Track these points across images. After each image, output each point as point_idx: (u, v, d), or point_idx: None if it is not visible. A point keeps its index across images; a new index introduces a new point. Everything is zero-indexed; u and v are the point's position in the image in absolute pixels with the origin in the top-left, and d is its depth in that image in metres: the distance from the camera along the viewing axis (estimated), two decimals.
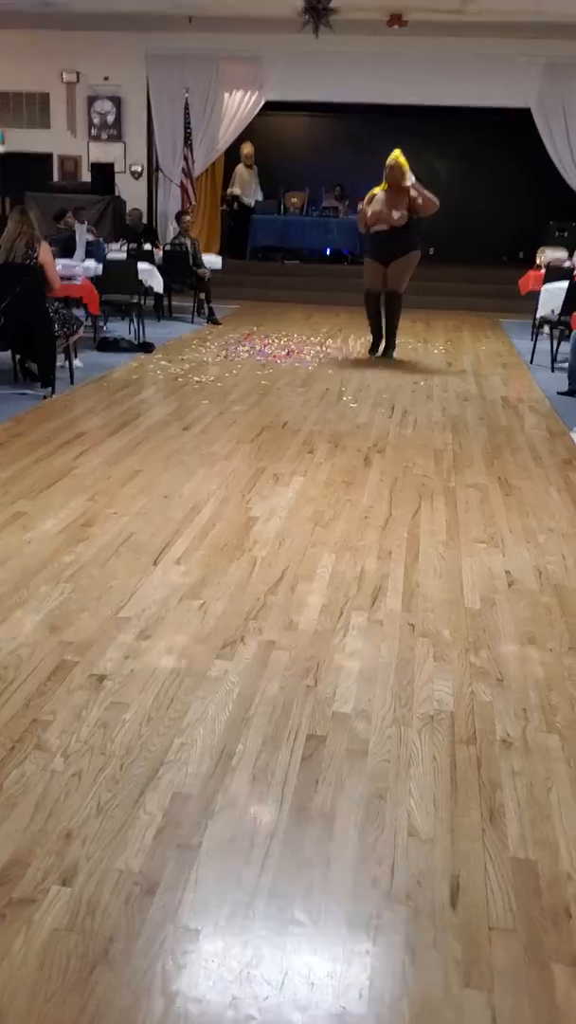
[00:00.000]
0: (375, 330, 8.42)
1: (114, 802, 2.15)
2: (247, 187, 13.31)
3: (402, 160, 7.75)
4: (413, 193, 7.73)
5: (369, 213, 7.86)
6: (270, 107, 12.66)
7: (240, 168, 13.17)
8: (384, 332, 8.35)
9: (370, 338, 8.55)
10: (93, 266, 8.36)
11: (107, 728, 2.44)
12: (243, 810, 2.15)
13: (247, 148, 13.06)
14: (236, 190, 13.15)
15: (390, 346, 8.37)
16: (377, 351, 8.38)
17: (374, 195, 7.91)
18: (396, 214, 7.73)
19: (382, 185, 7.86)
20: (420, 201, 7.74)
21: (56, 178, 12.63)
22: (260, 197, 13.58)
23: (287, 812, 2.15)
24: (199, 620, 3.06)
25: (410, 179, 7.75)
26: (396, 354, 8.39)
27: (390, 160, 7.79)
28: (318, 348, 8.73)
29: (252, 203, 13.43)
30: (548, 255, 10.07)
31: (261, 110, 12.53)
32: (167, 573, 3.42)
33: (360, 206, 8.09)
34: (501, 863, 2.02)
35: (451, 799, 2.22)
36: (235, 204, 13.30)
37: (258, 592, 3.30)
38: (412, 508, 4.35)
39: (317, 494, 4.49)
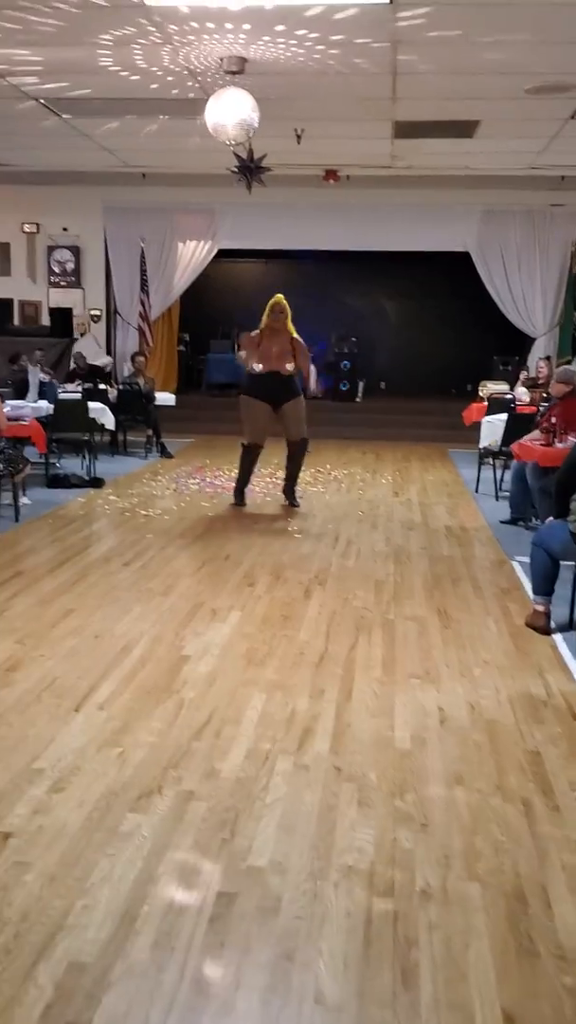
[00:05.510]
0: (245, 480, 7.67)
1: (3, 976, 2.02)
2: None
3: (287, 305, 7.40)
4: (297, 336, 7.40)
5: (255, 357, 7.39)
6: (224, 254, 13.22)
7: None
8: (286, 479, 7.72)
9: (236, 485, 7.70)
10: (45, 406, 8.49)
11: (6, 891, 2.31)
12: (141, 980, 2.02)
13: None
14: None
15: (293, 493, 7.69)
16: (242, 500, 7.59)
17: (259, 335, 7.46)
18: (287, 364, 7.33)
19: (261, 328, 7.44)
20: (300, 351, 7.42)
21: (16, 322, 13.00)
22: None
23: (188, 981, 2.02)
24: (116, 770, 2.95)
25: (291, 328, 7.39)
26: (301, 498, 7.77)
27: (279, 303, 7.39)
28: (267, 480, 8.85)
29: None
30: (490, 388, 10.42)
31: (215, 256, 13.08)
32: (89, 719, 3.33)
33: (244, 350, 7.60)
34: None
35: (363, 959, 2.11)
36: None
37: (182, 738, 3.21)
38: (349, 643, 4.32)
39: (253, 630, 4.44)
